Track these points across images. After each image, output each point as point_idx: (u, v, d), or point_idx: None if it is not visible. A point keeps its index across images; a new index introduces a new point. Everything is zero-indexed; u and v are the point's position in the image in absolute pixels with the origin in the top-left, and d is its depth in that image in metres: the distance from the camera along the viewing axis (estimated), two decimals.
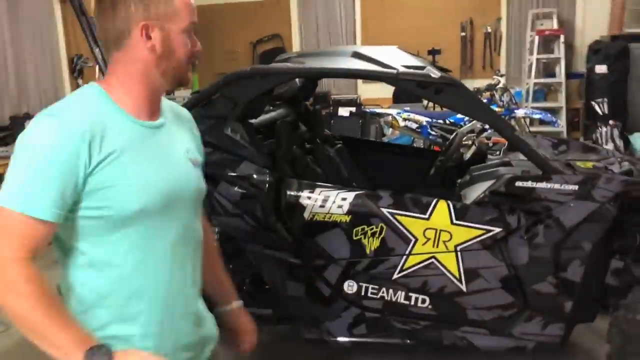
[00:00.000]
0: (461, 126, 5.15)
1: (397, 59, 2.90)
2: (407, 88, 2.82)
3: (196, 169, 1.41)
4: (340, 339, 2.85)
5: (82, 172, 1.17)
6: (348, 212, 2.71)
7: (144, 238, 1.26)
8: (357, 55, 2.90)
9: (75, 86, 6.47)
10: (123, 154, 1.22)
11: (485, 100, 6.31)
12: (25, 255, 1.14)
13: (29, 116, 5.90)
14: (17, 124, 5.79)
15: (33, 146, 1.17)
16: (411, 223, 2.69)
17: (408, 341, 2.82)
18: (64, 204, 1.17)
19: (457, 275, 2.69)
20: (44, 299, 1.12)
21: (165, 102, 1.41)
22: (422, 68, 2.75)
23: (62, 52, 6.95)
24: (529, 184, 2.62)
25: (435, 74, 2.68)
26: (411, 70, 2.72)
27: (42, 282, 1.14)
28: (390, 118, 6.38)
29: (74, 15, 3.92)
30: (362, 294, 2.79)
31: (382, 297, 2.78)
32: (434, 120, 6.12)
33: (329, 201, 2.73)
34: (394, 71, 2.70)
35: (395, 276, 2.74)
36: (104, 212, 1.21)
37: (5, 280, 1.11)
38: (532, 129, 7.53)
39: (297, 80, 3.49)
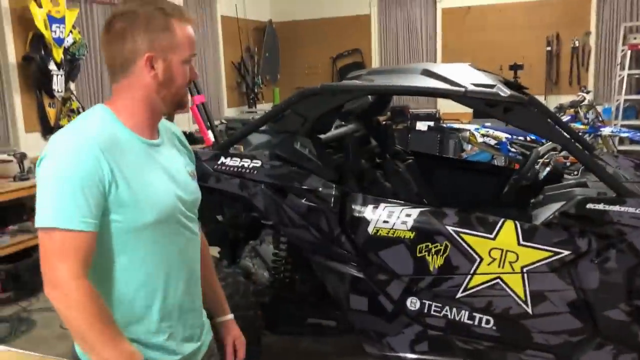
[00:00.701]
0: (542, 144, 5.00)
1: (468, 76, 2.88)
2: (476, 106, 2.81)
3: (194, 181, 1.53)
4: (402, 354, 2.85)
5: (107, 179, 1.28)
6: (412, 229, 2.72)
7: (159, 245, 1.38)
8: (427, 73, 2.92)
9: None
10: (136, 168, 1.34)
11: (568, 117, 6.10)
12: (81, 272, 1.25)
13: None
14: None
15: (57, 165, 1.26)
16: (476, 242, 2.67)
17: None
18: (96, 214, 1.27)
19: (523, 297, 2.63)
20: (100, 317, 1.25)
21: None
22: (492, 86, 2.73)
23: None
24: (601, 206, 2.53)
25: (504, 92, 2.65)
26: (480, 89, 2.70)
27: (99, 301, 1.26)
28: (468, 134, 6.30)
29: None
30: (425, 311, 2.78)
31: (445, 316, 2.76)
32: (514, 137, 5.98)
33: (393, 217, 2.75)
34: (462, 89, 2.70)
35: (459, 295, 2.72)
36: (122, 225, 1.32)
37: (69, 299, 1.24)
38: (621, 147, 7.18)
39: (369, 96, 3.54)
